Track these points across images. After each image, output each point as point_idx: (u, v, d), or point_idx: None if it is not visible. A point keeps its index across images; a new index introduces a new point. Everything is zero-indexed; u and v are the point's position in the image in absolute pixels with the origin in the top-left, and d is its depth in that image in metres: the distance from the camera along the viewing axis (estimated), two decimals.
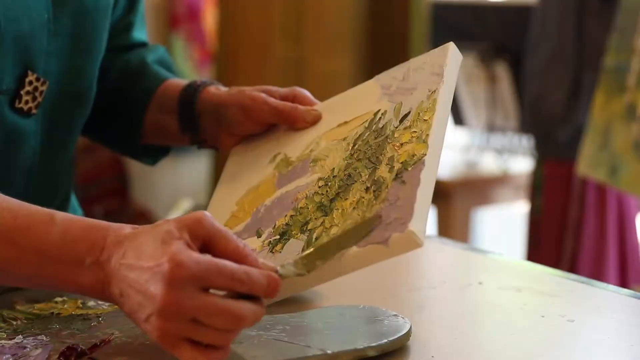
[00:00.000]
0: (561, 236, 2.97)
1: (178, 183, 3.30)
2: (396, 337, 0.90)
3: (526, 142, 3.55)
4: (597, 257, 2.91)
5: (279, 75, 2.94)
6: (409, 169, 0.88)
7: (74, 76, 1.15)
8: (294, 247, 0.91)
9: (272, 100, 1.14)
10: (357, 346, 0.88)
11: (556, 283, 1.16)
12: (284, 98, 1.15)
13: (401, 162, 0.90)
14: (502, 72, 3.47)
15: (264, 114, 1.14)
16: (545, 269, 1.22)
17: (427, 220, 0.85)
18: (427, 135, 0.91)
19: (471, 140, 3.73)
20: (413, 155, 0.90)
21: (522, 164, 3.58)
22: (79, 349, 0.87)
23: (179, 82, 1.24)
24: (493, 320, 1.03)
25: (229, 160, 1.16)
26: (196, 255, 0.82)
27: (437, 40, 3.69)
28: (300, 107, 1.13)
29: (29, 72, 1.09)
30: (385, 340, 0.89)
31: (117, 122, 1.28)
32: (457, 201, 3.39)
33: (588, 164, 2.70)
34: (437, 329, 0.99)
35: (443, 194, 3.31)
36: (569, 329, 0.99)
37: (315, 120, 1.11)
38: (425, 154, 0.89)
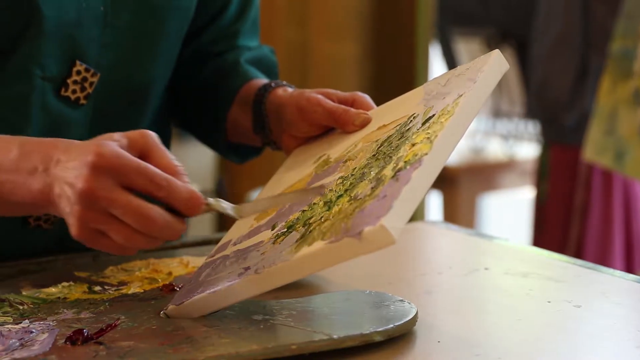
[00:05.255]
0: (567, 221, 2.97)
1: (185, 167, 3.30)
2: (402, 322, 0.90)
3: (532, 127, 3.55)
4: (603, 242, 2.91)
5: (284, 59, 2.93)
6: (408, 167, 0.88)
7: (131, 71, 1.17)
8: (292, 240, 0.91)
9: (326, 102, 1.14)
10: (364, 331, 0.88)
11: (562, 268, 1.16)
12: (342, 101, 1.15)
13: (404, 161, 0.90)
14: (508, 57, 3.47)
15: (317, 115, 1.14)
16: (552, 255, 1.22)
17: (406, 218, 0.83)
18: (436, 136, 0.91)
19: (477, 126, 3.73)
20: (416, 155, 0.89)
21: (528, 150, 3.58)
22: (86, 334, 0.87)
23: (260, 82, 1.25)
24: (499, 306, 1.03)
25: (285, 162, 1.18)
26: (120, 151, 0.87)
27: (443, 26, 3.69)
28: (351, 110, 1.12)
29: (78, 62, 1.10)
30: (392, 325, 0.89)
31: (206, 117, 1.31)
32: (463, 187, 3.39)
33: (594, 149, 2.69)
34: (443, 314, 0.99)
35: (449, 179, 3.31)
36: (575, 314, 0.99)
37: (364, 123, 1.10)
38: (426, 154, 0.88)
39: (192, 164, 3.38)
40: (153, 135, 0.91)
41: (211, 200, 0.90)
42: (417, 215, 2.78)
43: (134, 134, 0.90)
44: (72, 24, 1.09)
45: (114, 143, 0.88)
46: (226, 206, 0.91)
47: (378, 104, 1.15)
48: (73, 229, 0.89)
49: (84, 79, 1.12)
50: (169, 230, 0.88)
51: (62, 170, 0.90)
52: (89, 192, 0.86)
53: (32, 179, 0.93)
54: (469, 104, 0.94)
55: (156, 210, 0.87)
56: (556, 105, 2.98)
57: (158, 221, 0.87)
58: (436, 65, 3.54)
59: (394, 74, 3.07)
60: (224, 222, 3.36)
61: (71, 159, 0.89)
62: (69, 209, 0.89)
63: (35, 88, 1.09)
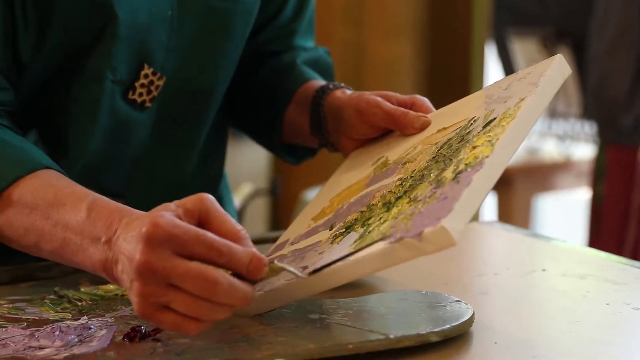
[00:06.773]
0: (623, 223, 2.94)
1: (239, 167, 3.31)
2: (459, 322, 0.90)
3: (588, 128, 3.52)
4: None
5: (339, 59, 2.94)
6: (469, 170, 0.87)
7: (194, 74, 1.18)
8: (351, 240, 0.91)
9: (385, 104, 1.13)
10: (420, 331, 0.87)
11: (621, 270, 1.15)
12: (401, 104, 1.14)
13: (465, 164, 0.89)
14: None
15: (376, 117, 1.14)
16: (610, 256, 1.21)
17: (467, 219, 0.83)
18: (498, 139, 0.90)
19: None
20: (477, 158, 0.89)
21: (585, 150, 3.55)
22: (143, 331, 0.88)
23: (317, 83, 1.25)
24: (556, 307, 1.02)
25: (343, 163, 1.18)
26: (176, 220, 0.83)
27: (499, 25, 3.67)
28: (411, 112, 1.11)
29: (145, 66, 1.11)
30: (448, 326, 0.89)
31: (262, 118, 1.31)
32: (518, 187, 3.37)
33: None
34: (500, 315, 0.99)
35: (504, 180, 3.29)
36: (634, 316, 0.98)
37: (424, 126, 1.10)
38: (487, 156, 0.88)
39: (246, 164, 3.40)
40: (211, 199, 0.86)
41: (275, 262, 0.87)
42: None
43: (191, 200, 0.85)
44: (143, 28, 1.10)
45: (169, 213, 0.83)
46: (290, 267, 0.89)
47: (433, 103, 1.15)
48: (135, 306, 0.84)
49: (151, 82, 1.13)
50: (235, 292, 0.82)
51: (122, 242, 0.86)
52: (146, 265, 0.81)
53: (94, 247, 0.90)
54: (531, 107, 0.94)
55: (218, 272, 0.82)
56: (613, 105, 2.95)
57: (221, 283, 0.81)
58: (492, 65, 3.53)
59: (450, 74, 3.06)
60: (278, 221, 3.38)
61: (129, 230, 0.86)
62: (129, 285, 0.84)
63: (105, 91, 1.11)
